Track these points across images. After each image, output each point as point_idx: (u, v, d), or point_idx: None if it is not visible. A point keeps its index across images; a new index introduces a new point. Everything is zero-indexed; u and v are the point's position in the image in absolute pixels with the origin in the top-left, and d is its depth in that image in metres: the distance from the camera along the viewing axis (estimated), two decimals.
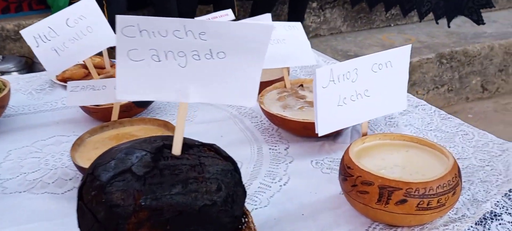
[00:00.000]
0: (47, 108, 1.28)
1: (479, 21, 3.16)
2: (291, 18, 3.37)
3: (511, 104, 3.36)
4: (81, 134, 0.95)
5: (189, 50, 0.61)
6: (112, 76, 1.42)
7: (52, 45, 1.15)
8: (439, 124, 1.08)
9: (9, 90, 1.17)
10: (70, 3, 2.63)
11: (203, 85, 0.63)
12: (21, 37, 3.26)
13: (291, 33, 1.22)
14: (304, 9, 3.38)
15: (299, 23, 1.25)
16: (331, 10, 3.72)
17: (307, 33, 3.90)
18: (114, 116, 1.02)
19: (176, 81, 0.62)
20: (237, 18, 3.22)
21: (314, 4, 3.65)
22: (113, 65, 1.53)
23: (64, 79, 1.38)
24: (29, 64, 2.88)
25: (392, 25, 3.94)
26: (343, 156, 0.76)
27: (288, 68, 1.29)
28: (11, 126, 1.17)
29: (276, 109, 1.05)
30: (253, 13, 3.35)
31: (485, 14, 3.26)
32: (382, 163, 0.77)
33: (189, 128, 0.75)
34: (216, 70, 0.62)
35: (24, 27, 2.93)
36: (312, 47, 1.26)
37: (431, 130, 1.06)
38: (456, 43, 3.39)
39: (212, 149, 0.62)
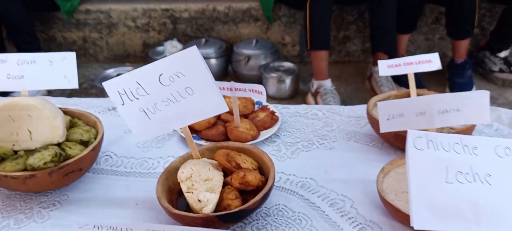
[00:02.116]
0: (143, 172, 1.02)
1: None
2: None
3: None
4: None
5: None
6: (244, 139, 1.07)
7: (140, 105, 0.85)
8: None
9: (97, 146, 0.95)
10: None
11: None
12: (230, 20, 3.12)
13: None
14: None
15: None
16: None
17: None
18: None
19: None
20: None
21: None
22: (250, 113, 1.18)
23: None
24: (229, 51, 2.78)
25: None
26: None
27: None
28: (82, 193, 0.96)
29: None
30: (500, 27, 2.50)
31: None
32: None
33: None
34: None
35: (234, 11, 2.84)
36: None
37: None
38: None
39: None
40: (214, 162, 0.91)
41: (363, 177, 0.96)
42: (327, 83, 2.37)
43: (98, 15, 3.01)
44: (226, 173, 0.89)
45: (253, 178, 0.84)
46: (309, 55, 2.47)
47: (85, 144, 0.97)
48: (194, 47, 0.81)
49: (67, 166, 0.89)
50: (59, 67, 0.94)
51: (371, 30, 2.43)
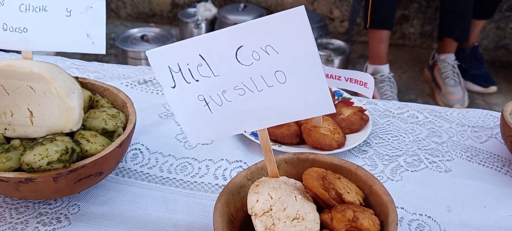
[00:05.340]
0: (186, 180, 0.72)
1: None
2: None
3: None
4: None
5: None
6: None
7: (201, 91, 0.55)
8: None
9: (126, 140, 0.65)
10: None
11: None
12: None
13: None
14: None
15: None
16: None
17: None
18: None
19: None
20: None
21: None
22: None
23: None
24: None
25: None
26: None
27: None
28: (99, 205, 0.66)
29: None
30: None
31: None
32: None
33: None
34: None
35: None
36: None
37: None
38: None
39: None
40: (299, 184, 0.61)
41: (503, 223, 0.66)
42: (385, 69, 2.04)
43: None
44: (317, 203, 0.59)
45: (370, 224, 0.54)
46: (367, 34, 2.13)
47: (109, 134, 0.67)
48: (302, 7, 0.50)
49: (82, 169, 0.60)
50: (81, 21, 0.63)
51: (442, 12, 2.08)
